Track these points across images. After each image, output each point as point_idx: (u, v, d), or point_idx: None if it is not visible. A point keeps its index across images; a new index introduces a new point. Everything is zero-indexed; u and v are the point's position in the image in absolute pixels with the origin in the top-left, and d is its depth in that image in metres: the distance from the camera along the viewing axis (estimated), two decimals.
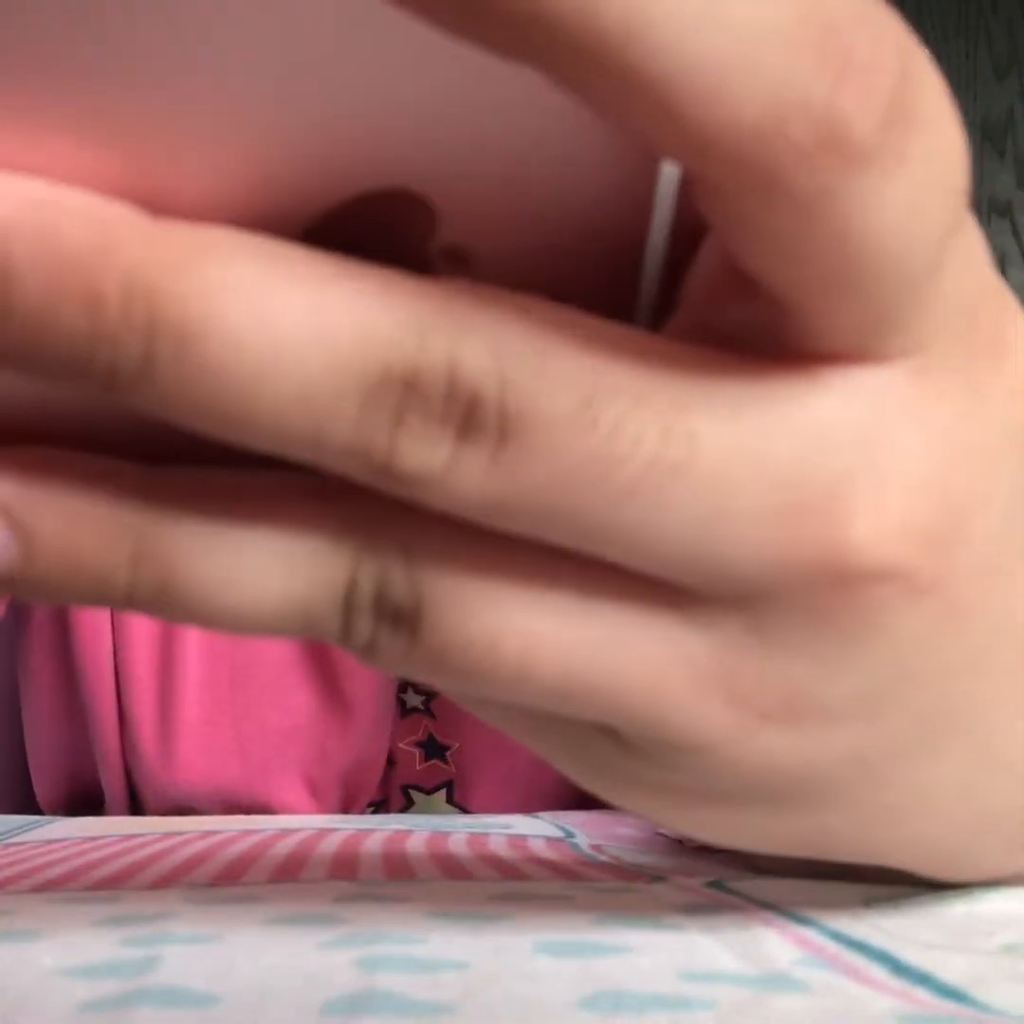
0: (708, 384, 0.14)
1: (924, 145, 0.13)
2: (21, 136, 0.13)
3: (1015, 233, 1.71)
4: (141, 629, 0.53)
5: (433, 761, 0.55)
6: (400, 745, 0.55)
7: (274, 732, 0.53)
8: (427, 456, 0.13)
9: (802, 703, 0.16)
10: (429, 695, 0.55)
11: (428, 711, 0.55)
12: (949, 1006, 0.16)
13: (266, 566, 0.14)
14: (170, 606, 0.14)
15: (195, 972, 0.17)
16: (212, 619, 0.15)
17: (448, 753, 0.55)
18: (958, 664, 0.17)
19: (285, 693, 0.53)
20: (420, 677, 0.16)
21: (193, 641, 0.53)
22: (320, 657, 0.54)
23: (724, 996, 0.16)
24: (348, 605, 0.15)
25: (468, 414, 0.13)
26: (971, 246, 0.16)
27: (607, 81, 0.11)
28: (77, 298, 0.12)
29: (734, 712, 0.16)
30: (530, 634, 0.15)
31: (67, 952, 0.18)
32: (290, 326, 0.13)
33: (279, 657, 0.54)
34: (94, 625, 0.53)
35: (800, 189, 0.12)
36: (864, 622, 0.15)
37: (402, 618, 0.15)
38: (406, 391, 0.13)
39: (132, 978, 0.16)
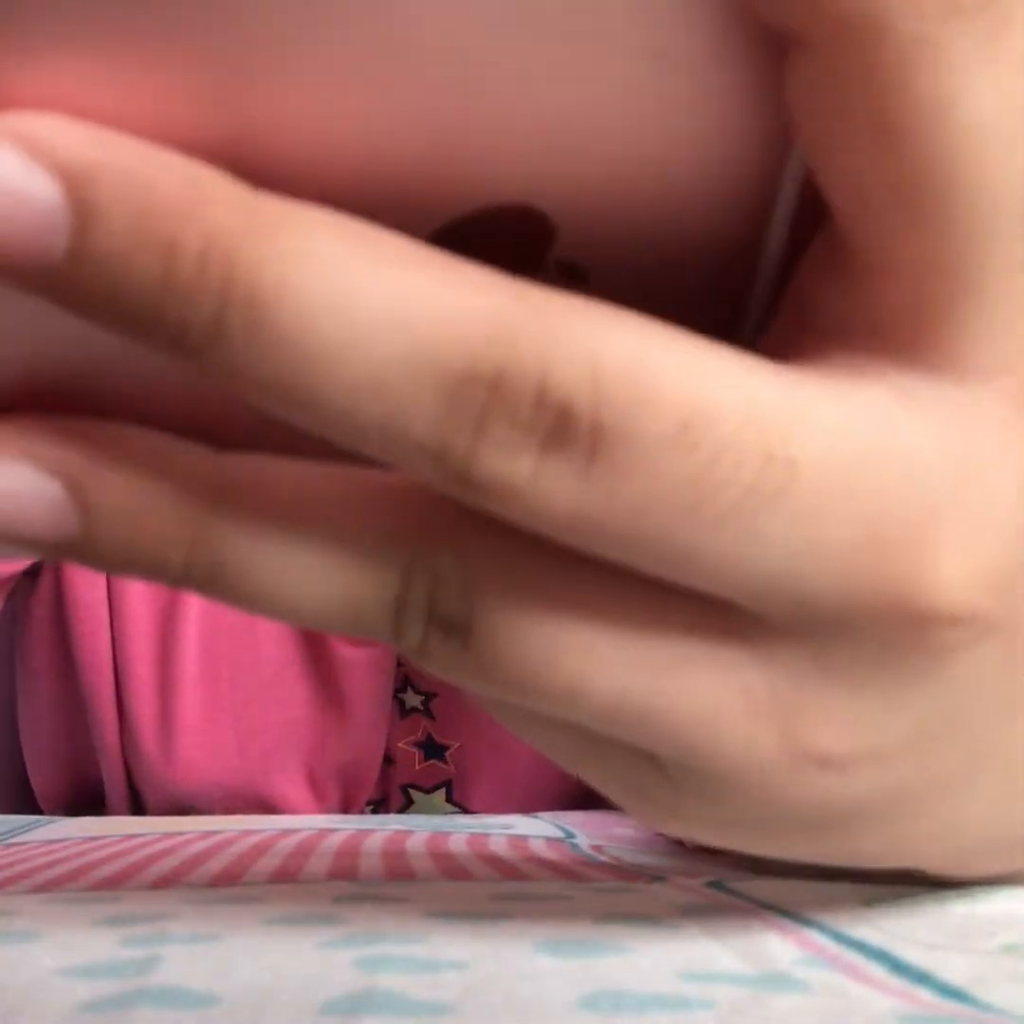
0: (811, 410, 0.14)
1: (1015, 46, 0.13)
2: (149, 101, 0.13)
3: None
4: (140, 626, 0.53)
5: (432, 761, 0.55)
6: (399, 745, 0.55)
7: (274, 726, 0.53)
8: (510, 466, 0.13)
9: (856, 742, 0.16)
10: (428, 695, 0.55)
11: (427, 712, 0.55)
12: (950, 1006, 0.16)
13: (318, 566, 0.14)
14: (222, 592, 0.14)
15: (195, 972, 0.17)
16: (262, 609, 0.15)
17: (447, 753, 0.55)
18: (1008, 703, 0.17)
19: (283, 689, 0.54)
20: (472, 685, 0.15)
21: (192, 638, 0.53)
22: (317, 656, 0.54)
23: (724, 996, 0.16)
24: (399, 611, 0.14)
25: (557, 425, 0.13)
26: None
27: None
28: (154, 248, 0.12)
29: (787, 748, 0.15)
30: (586, 655, 0.14)
31: (67, 952, 0.18)
32: (371, 307, 0.12)
33: (277, 654, 0.54)
34: (92, 622, 0.53)
35: (902, 34, 0.12)
36: (928, 662, 0.15)
37: (455, 625, 0.14)
38: (492, 393, 0.12)
39: (132, 978, 0.16)
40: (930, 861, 0.20)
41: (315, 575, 0.14)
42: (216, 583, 0.14)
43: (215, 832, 0.37)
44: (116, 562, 0.15)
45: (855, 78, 0.13)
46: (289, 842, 0.34)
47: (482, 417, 0.13)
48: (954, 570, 0.14)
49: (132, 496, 0.14)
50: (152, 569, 0.14)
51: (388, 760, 0.55)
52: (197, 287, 0.12)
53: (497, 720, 0.17)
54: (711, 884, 0.24)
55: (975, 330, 0.14)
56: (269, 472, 0.15)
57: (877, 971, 0.17)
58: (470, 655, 0.15)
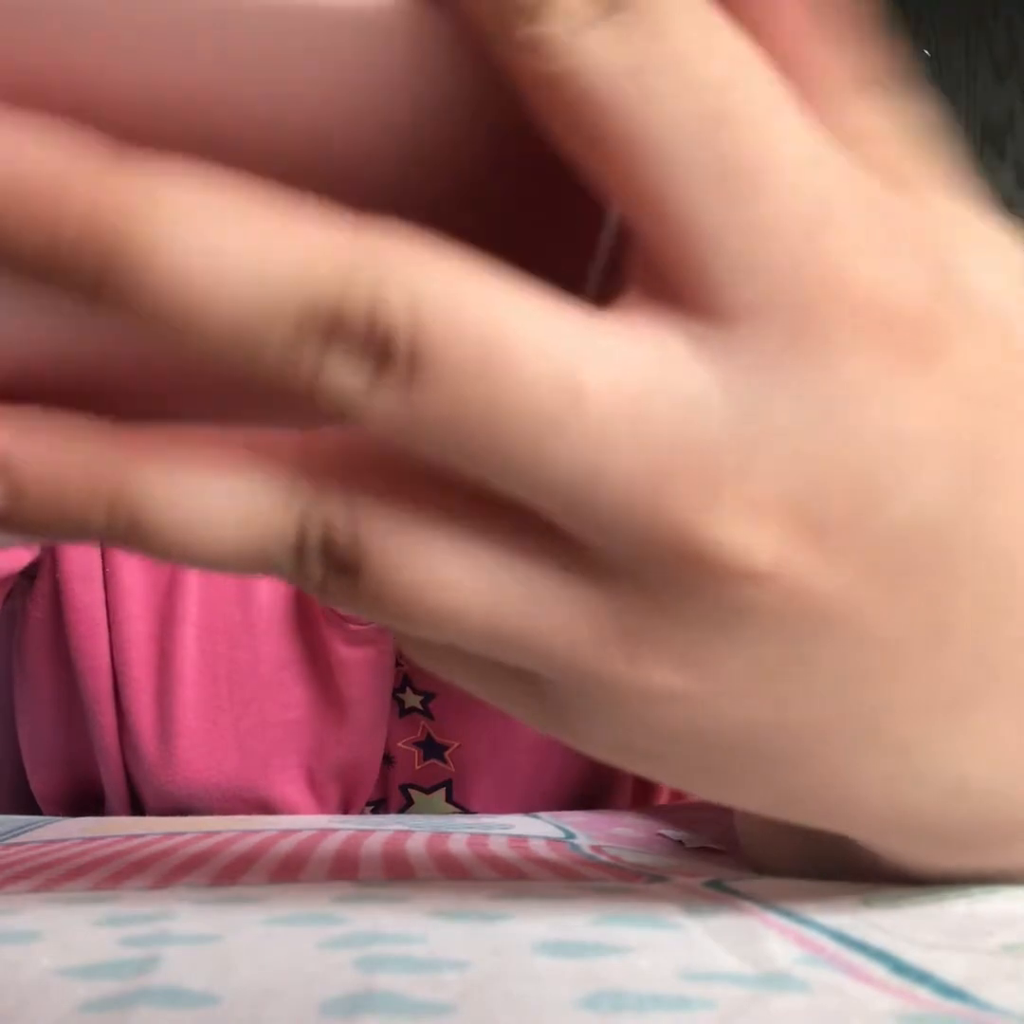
0: (604, 347, 0.15)
1: (625, 19, 0.15)
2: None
3: None
4: (137, 628, 0.53)
5: (431, 761, 0.55)
6: (399, 745, 0.55)
7: (273, 727, 0.53)
8: (349, 383, 0.15)
9: (691, 675, 0.17)
10: (427, 695, 0.55)
11: (426, 711, 0.55)
12: (949, 1005, 0.16)
13: (224, 513, 0.16)
14: (143, 544, 0.16)
15: (195, 972, 0.17)
16: (181, 557, 0.16)
17: (447, 753, 0.55)
18: (862, 666, 0.17)
19: (282, 690, 0.54)
20: (368, 617, 0.17)
21: (189, 640, 0.53)
22: (315, 656, 0.54)
23: (724, 996, 0.16)
24: (299, 551, 0.16)
25: (383, 350, 0.15)
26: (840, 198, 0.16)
27: None
28: (42, 231, 0.14)
29: (633, 674, 0.17)
30: (459, 586, 0.16)
31: (67, 952, 0.18)
32: (230, 265, 0.14)
33: (275, 655, 0.54)
34: (90, 624, 0.53)
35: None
36: (744, 613, 0.16)
37: (346, 565, 0.16)
38: (332, 323, 0.15)
39: (132, 978, 0.16)
40: (850, 828, 0.20)
41: (221, 524, 0.16)
42: (136, 537, 0.16)
43: (215, 832, 0.37)
44: (45, 528, 0.16)
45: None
46: (289, 842, 0.34)
47: (325, 342, 0.15)
48: (733, 505, 0.15)
49: (52, 467, 0.16)
50: (78, 530, 0.16)
51: (388, 760, 0.55)
52: (80, 263, 0.14)
53: (411, 655, 0.19)
54: (711, 884, 0.24)
55: (718, 273, 0.15)
56: (175, 437, 0.16)
57: (877, 971, 0.17)
58: (361, 590, 0.16)
